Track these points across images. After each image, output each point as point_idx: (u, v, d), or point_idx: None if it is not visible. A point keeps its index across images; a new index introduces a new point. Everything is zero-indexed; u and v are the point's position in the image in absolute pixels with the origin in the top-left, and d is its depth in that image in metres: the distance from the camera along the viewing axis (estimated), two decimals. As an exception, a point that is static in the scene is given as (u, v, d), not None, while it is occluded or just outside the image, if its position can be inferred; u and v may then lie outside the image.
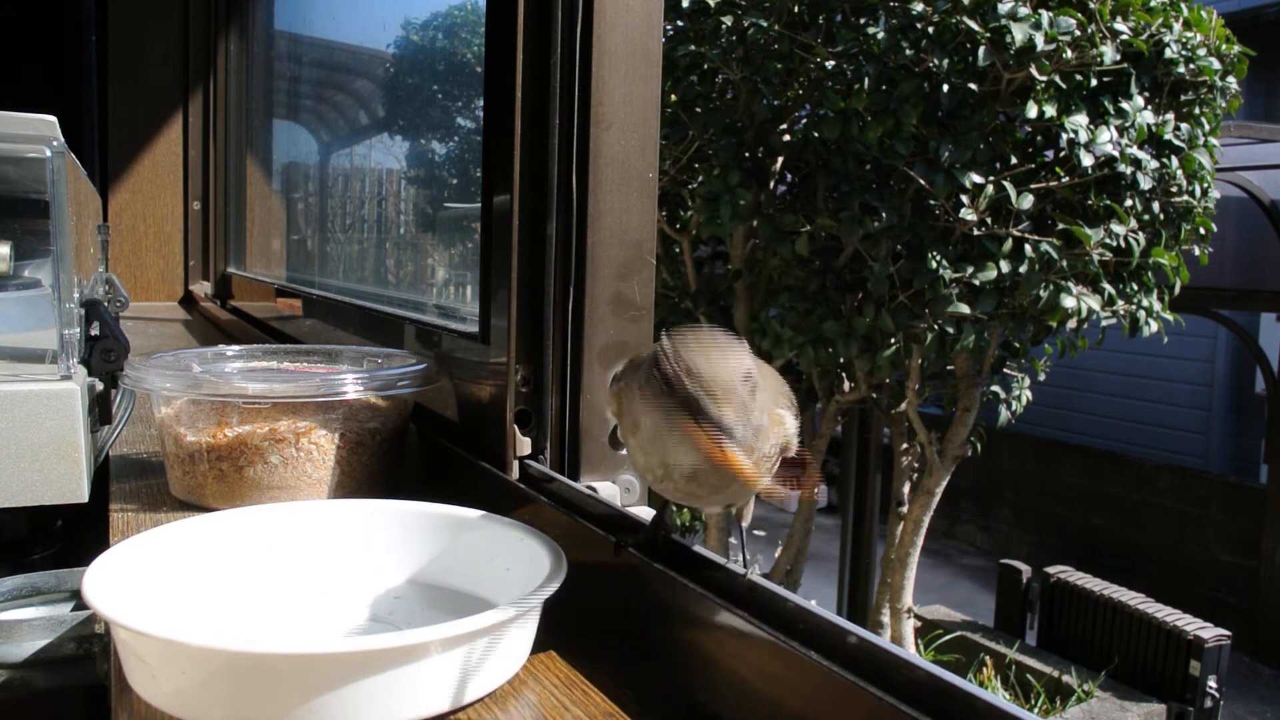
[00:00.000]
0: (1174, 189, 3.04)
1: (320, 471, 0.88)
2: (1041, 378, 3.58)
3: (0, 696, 0.78)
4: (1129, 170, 2.88)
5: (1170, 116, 3.00)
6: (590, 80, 0.81)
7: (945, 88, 2.85)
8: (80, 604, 0.86)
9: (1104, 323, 3.12)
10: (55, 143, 0.83)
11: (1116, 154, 2.85)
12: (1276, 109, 6.59)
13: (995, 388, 3.48)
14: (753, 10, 3.06)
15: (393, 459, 0.94)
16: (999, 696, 0.47)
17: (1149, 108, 2.96)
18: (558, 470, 0.83)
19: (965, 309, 2.86)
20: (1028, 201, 2.84)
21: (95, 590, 0.57)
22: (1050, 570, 4.36)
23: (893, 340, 2.98)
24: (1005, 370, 3.50)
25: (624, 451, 0.84)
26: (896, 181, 2.94)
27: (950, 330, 2.95)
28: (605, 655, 0.64)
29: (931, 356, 3.22)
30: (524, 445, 0.84)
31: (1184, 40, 2.96)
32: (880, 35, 2.93)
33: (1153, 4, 2.95)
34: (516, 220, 0.84)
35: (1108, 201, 2.92)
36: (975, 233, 2.87)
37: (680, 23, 3.28)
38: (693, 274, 3.62)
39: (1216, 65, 3.03)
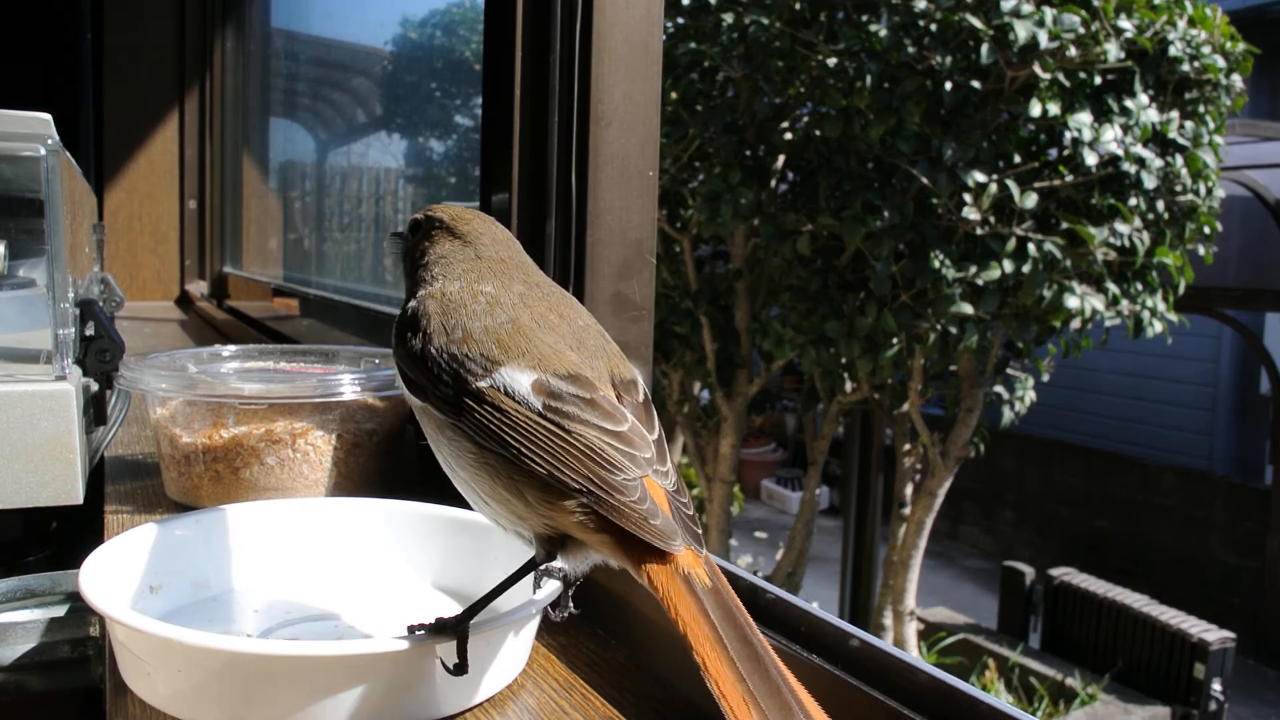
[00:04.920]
0: (1178, 188, 3.03)
1: (317, 473, 0.87)
2: (1045, 378, 3.57)
3: (-6, 700, 0.78)
4: (1133, 169, 2.87)
5: (1175, 114, 2.99)
6: (590, 78, 0.80)
7: (948, 86, 2.85)
8: (75, 607, 0.85)
9: (1108, 323, 3.11)
10: (50, 141, 0.82)
11: (1120, 152, 2.84)
12: (1281, 108, 6.57)
13: (998, 388, 3.47)
14: (754, 7, 3.05)
15: (390, 460, 0.93)
16: (1002, 700, 0.46)
17: (1153, 106, 2.95)
18: (557, 471, 0.82)
19: (968, 309, 2.85)
20: (1031, 200, 2.83)
21: (92, 586, 0.57)
22: (1053, 572, 4.35)
23: (895, 340, 2.97)
24: (1008, 371, 3.49)
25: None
26: (899, 180, 2.93)
27: (953, 330, 2.94)
28: (605, 658, 0.63)
29: (934, 357, 3.21)
30: (523, 446, 0.83)
31: (1188, 38, 2.95)
32: (882, 33, 2.92)
33: (1157, 1, 2.94)
34: (516, 219, 0.83)
35: (1112, 200, 2.91)
36: (978, 232, 2.86)
37: (681, 20, 3.28)
38: (693, 273, 3.62)
39: (1221, 63, 3.02)
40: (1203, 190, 3.06)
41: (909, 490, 3.70)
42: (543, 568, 0.60)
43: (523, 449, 0.48)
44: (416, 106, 1.77)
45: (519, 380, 0.50)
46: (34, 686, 0.81)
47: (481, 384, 0.50)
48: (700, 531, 0.50)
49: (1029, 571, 4.48)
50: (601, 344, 0.55)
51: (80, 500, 0.82)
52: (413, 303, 0.56)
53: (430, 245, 0.59)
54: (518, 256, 0.59)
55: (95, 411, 0.91)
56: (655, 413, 0.54)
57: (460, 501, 0.76)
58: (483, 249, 0.58)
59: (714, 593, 0.46)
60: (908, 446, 3.68)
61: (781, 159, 3.26)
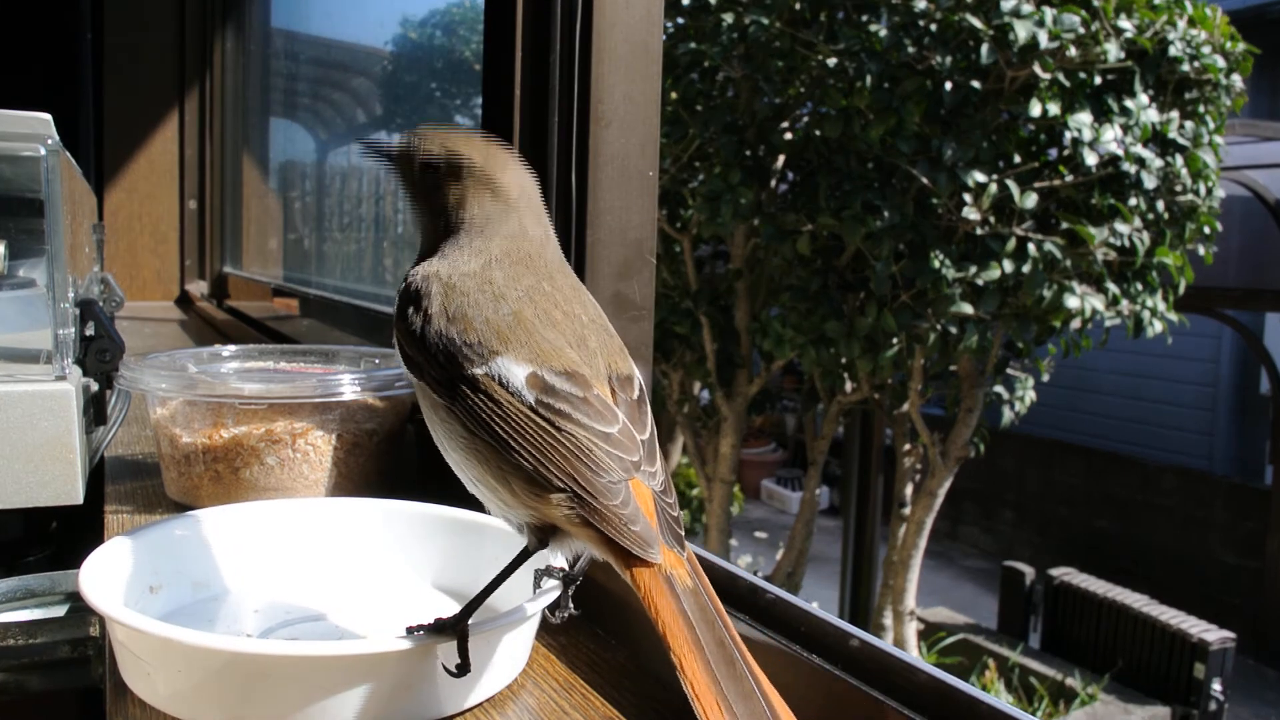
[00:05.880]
0: (1178, 188, 3.03)
1: (317, 473, 0.87)
2: (1045, 378, 3.57)
3: (-6, 699, 0.78)
4: (1133, 169, 2.87)
5: (1175, 114, 3.00)
6: (590, 78, 0.80)
7: (948, 86, 2.85)
8: (75, 607, 0.85)
9: (1108, 323, 3.11)
10: (50, 141, 0.82)
11: (1120, 152, 2.85)
12: (1281, 108, 6.56)
13: (998, 388, 3.47)
14: (754, 7, 3.05)
15: (390, 460, 0.93)
16: (1002, 700, 0.46)
17: (1153, 106, 2.96)
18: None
19: (968, 309, 2.85)
20: (1031, 200, 2.83)
21: (92, 586, 0.57)
22: (1053, 572, 4.35)
23: (895, 340, 2.97)
24: (1008, 370, 3.49)
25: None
26: (899, 180, 2.93)
27: (953, 330, 2.94)
28: (605, 658, 0.63)
29: (934, 357, 3.22)
30: (523, 446, 0.83)
31: (1188, 38, 2.96)
32: (882, 33, 2.92)
33: (1157, 1, 2.95)
34: (515, 218, 0.83)
35: (1112, 200, 2.91)
36: (978, 232, 2.86)
37: (681, 20, 3.28)
38: (693, 273, 3.62)
39: (1221, 63, 3.02)
40: (1203, 190, 3.06)
41: (909, 490, 3.70)
42: (543, 568, 0.60)
43: (511, 441, 0.48)
44: (416, 106, 1.77)
45: (514, 371, 0.50)
46: (34, 686, 0.81)
47: (477, 370, 0.50)
48: (683, 533, 0.50)
49: (1029, 571, 4.48)
50: (604, 340, 0.54)
51: (80, 500, 0.82)
52: (418, 278, 0.54)
53: (463, 194, 0.54)
54: (541, 229, 0.56)
55: (95, 411, 0.90)
56: (650, 410, 0.54)
57: (460, 500, 0.76)
58: (521, 214, 0.54)
59: (694, 594, 0.46)
60: (908, 446, 3.68)
61: (781, 159, 3.26)
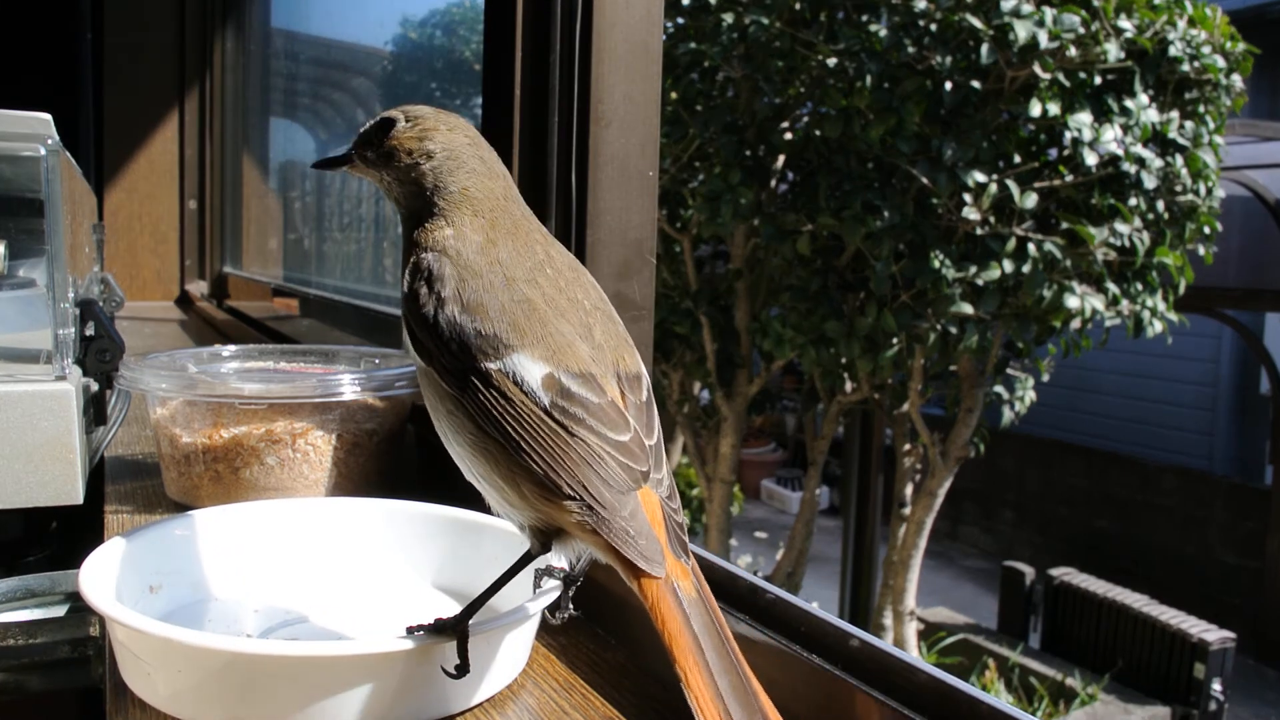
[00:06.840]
0: (1178, 188, 3.03)
1: (317, 473, 0.87)
2: (1045, 378, 3.57)
3: (-7, 699, 0.78)
4: (1133, 169, 2.87)
5: (1175, 114, 3.00)
6: (590, 78, 0.80)
7: (948, 86, 2.85)
8: (75, 607, 0.85)
9: (1108, 323, 3.11)
10: (50, 141, 0.82)
11: (1120, 152, 2.85)
12: (1281, 108, 6.56)
13: (998, 388, 3.47)
14: (754, 7, 3.05)
15: (390, 460, 0.93)
16: (1002, 700, 0.46)
17: (1153, 106, 2.96)
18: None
19: (968, 309, 2.85)
20: (1031, 200, 2.84)
21: (92, 586, 0.57)
22: (1053, 572, 4.35)
23: (895, 340, 2.98)
24: (1008, 370, 3.49)
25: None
26: (899, 180, 2.93)
27: (953, 330, 2.94)
28: (605, 658, 0.63)
29: (934, 357, 3.22)
30: (523, 446, 0.83)
31: (1188, 38, 2.96)
32: (882, 33, 2.92)
33: (1157, 1, 2.95)
34: (515, 218, 0.83)
35: (1112, 200, 2.91)
36: (978, 232, 2.87)
37: (681, 20, 3.28)
38: (693, 273, 3.62)
39: (1221, 63, 3.02)
40: (1203, 190, 3.06)
41: (909, 490, 3.70)
42: (543, 569, 0.60)
43: (523, 443, 0.47)
44: (416, 106, 1.77)
45: (530, 371, 0.49)
46: (34, 686, 0.81)
47: (491, 365, 0.49)
48: (687, 540, 0.49)
49: (1029, 571, 4.48)
50: (610, 329, 0.53)
51: (80, 500, 0.82)
52: (428, 256, 0.52)
53: (431, 170, 0.53)
54: (502, 183, 0.55)
55: (95, 411, 0.90)
56: (656, 411, 0.53)
57: (460, 500, 0.76)
58: (488, 176, 0.54)
59: (698, 604, 0.47)
60: (908, 446, 3.68)
61: (781, 159, 3.27)
